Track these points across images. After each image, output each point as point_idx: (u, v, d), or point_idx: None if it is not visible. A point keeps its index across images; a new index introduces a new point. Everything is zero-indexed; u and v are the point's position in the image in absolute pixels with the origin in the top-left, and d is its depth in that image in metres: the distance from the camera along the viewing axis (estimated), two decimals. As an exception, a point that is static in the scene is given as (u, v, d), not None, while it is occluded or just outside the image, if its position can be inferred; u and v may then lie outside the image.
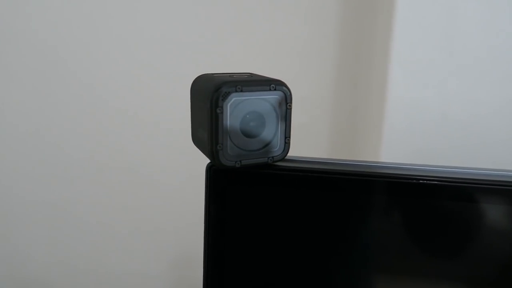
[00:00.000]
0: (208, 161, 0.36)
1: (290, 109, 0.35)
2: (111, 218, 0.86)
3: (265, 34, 0.78)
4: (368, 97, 0.78)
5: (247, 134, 0.35)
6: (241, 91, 0.33)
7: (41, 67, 0.78)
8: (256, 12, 0.77)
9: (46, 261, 0.88)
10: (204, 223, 0.37)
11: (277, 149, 0.36)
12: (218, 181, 0.37)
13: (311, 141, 0.83)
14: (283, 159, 0.37)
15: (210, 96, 0.33)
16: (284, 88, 0.35)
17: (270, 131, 0.35)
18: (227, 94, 0.33)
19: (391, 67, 0.72)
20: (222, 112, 0.33)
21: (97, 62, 0.78)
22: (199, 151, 0.38)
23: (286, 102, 0.35)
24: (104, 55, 0.78)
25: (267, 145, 0.36)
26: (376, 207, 0.36)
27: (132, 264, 0.89)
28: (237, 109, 0.34)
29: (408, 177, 0.35)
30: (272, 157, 0.36)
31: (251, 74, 0.37)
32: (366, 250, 0.37)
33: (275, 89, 0.34)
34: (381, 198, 0.35)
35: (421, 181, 0.34)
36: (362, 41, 0.79)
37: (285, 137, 0.36)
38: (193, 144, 0.39)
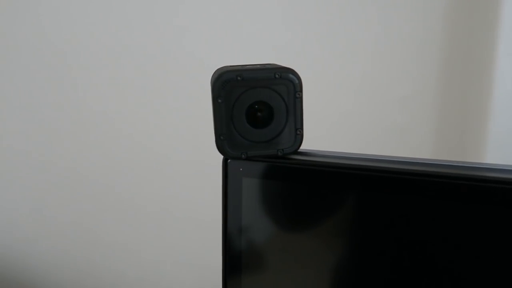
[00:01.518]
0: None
1: (300, 98, 0.33)
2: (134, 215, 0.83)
3: (362, 32, 0.74)
4: (475, 94, 0.69)
5: (254, 125, 0.34)
6: (243, 79, 0.32)
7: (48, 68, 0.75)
8: (354, 9, 0.73)
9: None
10: (222, 215, 0.37)
11: (287, 141, 0.34)
12: (233, 173, 0.36)
13: (412, 142, 0.76)
14: (295, 152, 0.34)
15: (212, 86, 0.33)
16: (291, 75, 0.33)
17: (279, 122, 0.34)
18: (226, 83, 0.32)
19: (499, 56, 0.63)
20: (223, 102, 0.33)
21: (108, 58, 0.74)
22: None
23: (294, 90, 0.33)
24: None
25: (276, 136, 0.34)
26: (406, 210, 0.31)
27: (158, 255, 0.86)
28: (241, 98, 0.33)
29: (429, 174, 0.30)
30: (282, 149, 0.34)
31: (267, 64, 0.36)
32: (386, 256, 0.33)
33: (280, 77, 0.33)
34: (413, 199, 0.31)
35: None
36: (468, 33, 0.70)
37: (296, 129, 0.34)
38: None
